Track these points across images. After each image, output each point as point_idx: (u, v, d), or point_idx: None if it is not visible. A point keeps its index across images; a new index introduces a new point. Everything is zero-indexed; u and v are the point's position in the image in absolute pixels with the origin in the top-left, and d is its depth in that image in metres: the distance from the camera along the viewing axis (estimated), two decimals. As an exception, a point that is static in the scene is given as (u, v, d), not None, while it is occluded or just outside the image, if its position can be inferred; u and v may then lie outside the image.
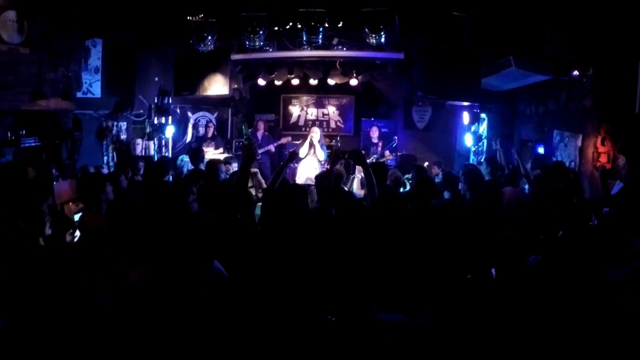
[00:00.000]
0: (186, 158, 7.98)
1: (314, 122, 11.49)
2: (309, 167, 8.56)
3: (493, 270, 3.66)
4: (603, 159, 5.77)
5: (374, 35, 6.75)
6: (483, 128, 8.85)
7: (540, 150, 7.09)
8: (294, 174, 9.26)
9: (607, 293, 2.85)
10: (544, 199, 5.39)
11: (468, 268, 3.46)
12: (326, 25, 6.89)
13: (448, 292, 2.91)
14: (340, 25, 7.27)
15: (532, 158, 7.27)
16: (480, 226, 4.02)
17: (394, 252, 3.24)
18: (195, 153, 7.20)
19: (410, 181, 6.22)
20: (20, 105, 5.19)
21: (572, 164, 6.32)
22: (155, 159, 7.74)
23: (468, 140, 8.82)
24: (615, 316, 2.66)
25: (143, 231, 3.06)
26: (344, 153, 4.87)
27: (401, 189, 5.74)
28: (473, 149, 8.94)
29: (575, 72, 5.99)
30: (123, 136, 7.66)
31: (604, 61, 5.54)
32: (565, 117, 6.66)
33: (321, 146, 8.72)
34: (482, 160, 8.21)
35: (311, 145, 8.52)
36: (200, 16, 6.86)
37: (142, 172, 6.50)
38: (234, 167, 6.89)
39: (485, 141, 8.67)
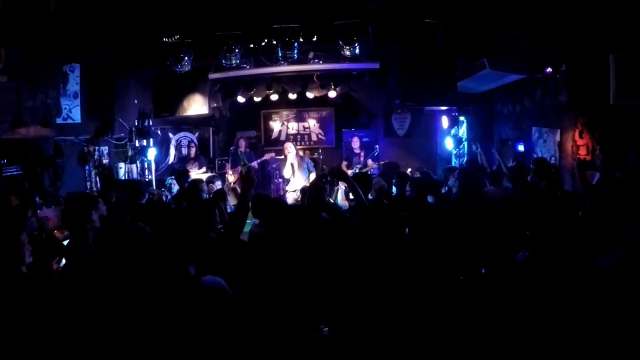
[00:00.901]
0: (171, 180, 7.96)
1: (295, 137, 11.57)
2: (298, 184, 8.61)
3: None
4: (582, 151, 5.94)
5: (348, 47, 6.86)
6: (462, 131, 9.02)
7: (521, 148, 7.26)
8: (279, 190, 9.28)
9: (597, 283, 2.91)
10: (526, 195, 5.54)
11: (460, 268, 3.49)
12: (301, 40, 6.98)
13: (446, 294, 2.96)
14: (315, 39, 7.36)
15: (513, 156, 7.43)
16: (467, 222, 4.06)
17: (389, 260, 3.26)
18: (181, 174, 7.20)
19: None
20: (0, 134, 5.10)
21: (553, 158, 6.49)
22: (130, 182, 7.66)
23: (449, 143, 8.98)
24: (605, 305, 2.71)
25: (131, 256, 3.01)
26: (324, 176, 5.10)
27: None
28: (454, 152, 9.10)
29: (549, 69, 6.19)
30: (105, 160, 7.55)
31: (576, 56, 5.73)
32: (542, 114, 6.85)
33: (301, 159, 8.80)
34: (463, 162, 8.37)
35: (291, 165, 8.62)
36: (175, 37, 6.87)
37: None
38: (217, 185, 6.88)
39: (465, 143, 8.83)
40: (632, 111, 4.99)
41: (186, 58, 6.95)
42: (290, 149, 8.77)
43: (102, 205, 5.25)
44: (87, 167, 7.14)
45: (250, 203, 4.16)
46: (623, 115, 5.17)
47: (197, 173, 8.73)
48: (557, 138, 6.38)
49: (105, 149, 7.59)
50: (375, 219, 3.67)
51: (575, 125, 5.99)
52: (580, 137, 5.95)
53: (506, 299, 2.96)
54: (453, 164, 8.94)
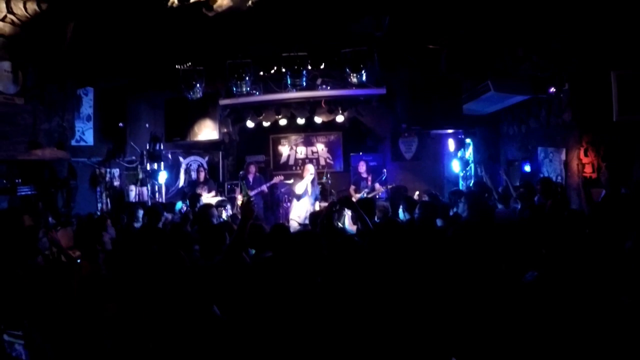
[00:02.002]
0: (180, 204, 8.07)
1: (303, 161, 11.67)
2: (302, 205, 8.63)
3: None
4: (588, 169, 5.95)
5: (355, 75, 7.03)
6: (469, 153, 9.07)
7: (527, 168, 7.28)
8: (287, 214, 9.31)
9: (606, 299, 2.89)
10: (533, 215, 5.54)
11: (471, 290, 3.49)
12: (309, 67, 7.19)
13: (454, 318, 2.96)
14: (322, 66, 7.56)
15: (520, 177, 7.45)
16: (476, 245, 4.08)
17: (397, 282, 3.28)
18: (193, 198, 7.31)
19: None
20: (16, 155, 5.27)
21: (559, 178, 6.49)
22: (149, 204, 7.78)
23: (455, 166, 9.02)
24: (612, 321, 2.69)
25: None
26: (335, 204, 5.25)
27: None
28: (461, 174, 9.13)
29: (552, 89, 6.27)
30: (116, 183, 7.70)
31: (578, 75, 5.82)
32: (547, 134, 6.89)
33: (315, 184, 8.86)
34: (470, 184, 8.40)
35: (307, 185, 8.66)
36: (188, 64, 7.10)
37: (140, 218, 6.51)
38: (227, 209, 6.97)
39: (472, 165, 8.87)
40: (636, 126, 5.01)
41: (198, 85, 7.17)
42: (311, 170, 8.83)
43: (111, 228, 5.39)
44: (98, 189, 7.29)
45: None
46: (627, 131, 5.20)
47: (207, 197, 8.83)
48: (563, 157, 6.41)
49: (116, 172, 7.76)
50: (386, 240, 3.74)
51: (580, 143, 6.02)
52: (586, 155, 5.97)
53: (514, 319, 2.96)
54: (460, 186, 8.96)
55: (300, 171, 9.30)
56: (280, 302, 2.88)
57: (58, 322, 2.85)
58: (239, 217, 7.74)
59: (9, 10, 4.46)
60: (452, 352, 2.81)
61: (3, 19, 4.52)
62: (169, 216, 6.39)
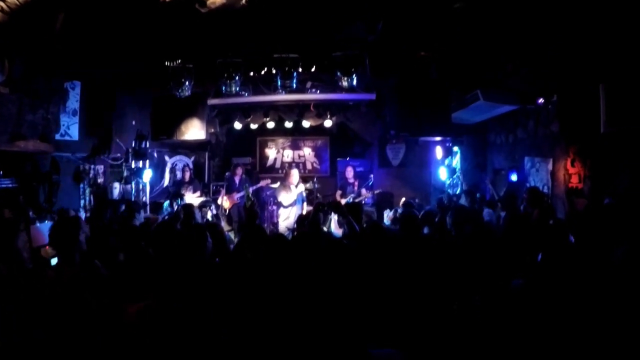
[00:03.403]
0: (167, 204, 7.96)
1: (290, 164, 11.64)
2: (290, 213, 8.61)
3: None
4: (574, 179, 6.04)
5: (346, 78, 7.02)
6: (456, 161, 9.14)
7: (513, 177, 7.36)
8: (273, 217, 9.26)
9: (594, 307, 2.91)
10: (517, 224, 5.58)
11: (453, 297, 3.50)
12: (300, 69, 7.16)
13: (437, 322, 2.95)
14: (313, 69, 7.55)
15: (507, 186, 7.52)
16: (465, 256, 4.10)
17: (381, 284, 3.28)
18: (174, 196, 7.22)
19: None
20: (-2, 145, 5.12)
21: (545, 187, 6.58)
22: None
23: (442, 174, 9.08)
24: (600, 331, 2.71)
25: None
26: (323, 206, 5.27)
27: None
28: (448, 182, 9.19)
29: (541, 100, 6.37)
30: (100, 180, 7.54)
31: (567, 87, 5.91)
32: (534, 144, 6.99)
33: (299, 188, 8.87)
34: (457, 192, 8.46)
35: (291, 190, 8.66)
36: (177, 62, 6.99)
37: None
38: (212, 209, 6.89)
39: (459, 174, 8.94)
40: (622, 138, 5.10)
41: (187, 83, 7.06)
42: (295, 175, 8.82)
43: (85, 226, 5.27)
44: (81, 185, 7.12)
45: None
46: (614, 142, 5.29)
47: (191, 197, 8.72)
48: (550, 167, 6.50)
49: (100, 168, 7.60)
50: (371, 242, 3.75)
51: (567, 154, 6.12)
52: (572, 165, 6.07)
53: (499, 325, 2.96)
54: (445, 194, 9.04)
55: (284, 175, 9.30)
56: (270, 302, 2.86)
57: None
58: (222, 218, 7.67)
59: (-2, -4, 4.34)
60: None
61: (-9, 6, 4.39)
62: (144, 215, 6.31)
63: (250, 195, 8.97)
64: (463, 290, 3.60)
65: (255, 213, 3.74)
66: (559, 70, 5.87)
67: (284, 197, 8.73)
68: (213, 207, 8.55)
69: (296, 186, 8.86)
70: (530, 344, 2.71)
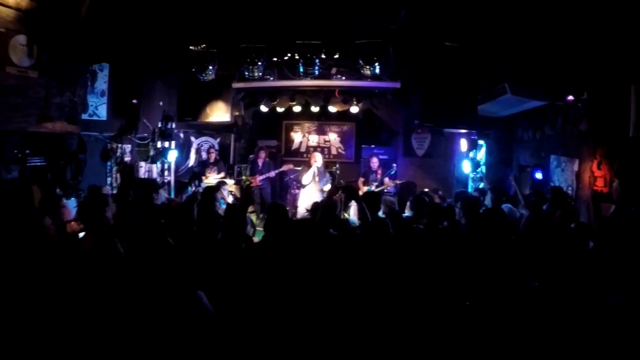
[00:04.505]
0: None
1: (315, 149, 11.65)
2: (310, 194, 8.62)
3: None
4: (599, 183, 5.81)
5: (368, 67, 6.94)
6: (481, 155, 8.94)
7: (538, 175, 7.14)
8: (295, 200, 9.33)
9: (608, 318, 2.84)
10: (540, 225, 5.45)
11: (467, 294, 3.46)
12: (322, 56, 7.11)
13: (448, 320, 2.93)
14: (336, 56, 7.47)
15: (531, 184, 7.32)
16: (478, 251, 4.03)
17: (390, 278, 3.25)
18: (193, 177, 7.38)
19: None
20: (27, 127, 5.34)
21: (569, 188, 6.36)
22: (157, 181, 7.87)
23: (466, 167, 8.90)
24: (615, 341, 2.65)
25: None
26: (337, 189, 5.19)
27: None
28: (471, 175, 9.01)
29: (570, 97, 6.10)
30: (127, 158, 7.79)
31: (597, 85, 5.65)
32: (561, 142, 6.74)
33: (322, 172, 8.81)
34: (479, 187, 8.29)
35: (314, 173, 8.61)
36: (201, 46, 7.07)
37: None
38: (224, 189, 6.99)
39: (483, 167, 8.74)
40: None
41: (210, 67, 7.17)
42: (317, 158, 8.82)
43: (111, 202, 5.47)
44: (109, 163, 7.38)
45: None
46: (642, 148, 5.06)
47: (216, 178, 8.88)
48: (575, 168, 6.27)
49: (128, 147, 7.84)
50: (378, 236, 3.71)
51: (594, 155, 5.88)
52: (599, 168, 5.83)
53: (512, 327, 2.94)
54: (469, 187, 8.87)
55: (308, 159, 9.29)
56: (270, 287, 2.89)
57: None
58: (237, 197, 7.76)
59: (26, -17, 4.49)
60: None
61: (19, -8, 4.55)
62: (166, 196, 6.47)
63: (247, 178, 9.03)
64: (475, 288, 3.58)
65: (250, 197, 3.77)
66: (590, 67, 5.61)
67: (304, 177, 8.75)
68: (226, 187, 8.65)
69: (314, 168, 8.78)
70: (540, 346, 2.68)
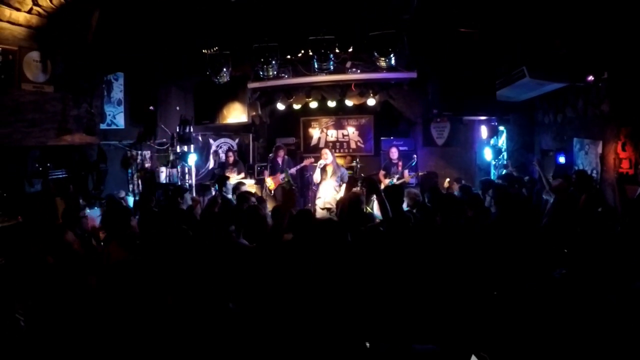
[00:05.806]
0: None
1: (334, 144, 11.62)
2: (327, 190, 8.57)
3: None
4: (625, 164, 5.60)
5: (383, 59, 6.84)
6: (502, 141, 8.73)
7: (562, 159, 6.93)
8: (314, 196, 9.31)
9: (633, 304, 2.75)
10: (566, 209, 5.30)
11: (494, 285, 3.40)
12: (336, 51, 7.04)
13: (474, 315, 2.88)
14: (350, 50, 7.40)
15: (554, 168, 7.11)
16: (508, 240, 3.95)
17: (415, 275, 3.21)
18: (221, 180, 7.40)
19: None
20: (46, 141, 5.50)
21: (594, 172, 6.15)
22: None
23: (487, 154, 8.72)
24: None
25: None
26: (356, 180, 5.06)
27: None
28: (493, 162, 8.82)
29: (591, 77, 5.88)
30: (147, 164, 7.93)
31: (618, 64, 5.42)
32: (584, 124, 6.52)
33: (337, 168, 8.74)
34: (502, 173, 8.10)
35: (323, 170, 8.53)
36: (214, 49, 7.11)
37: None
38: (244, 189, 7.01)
39: (505, 154, 8.54)
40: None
41: (224, 69, 7.20)
42: (327, 155, 8.76)
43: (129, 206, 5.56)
44: (129, 171, 7.53)
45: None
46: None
47: (236, 179, 8.95)
48: (599, 150, 6.05)
49: (147, 154, 7.98)
50: (399, 232, 3.66)
51: (618, 137, 5.65)
52: (623, 149, 5.61)
53: (540, 314, 2.87)
54: (492, 175, 8.68)
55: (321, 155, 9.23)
56: (293, 287, 2.89)
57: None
58: (267, 199, 7.75)
59: (35, 2, 4.59)
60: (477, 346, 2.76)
61: (29, 11, 4.67)
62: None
63: (290, 179, 9.02)
64: (503, 278, 3.51)
65: (293, 198, 3.71)
66: (610, 45, 5.38)
67: (314, 175, 8.70)
68: (245, 187, 8.66)
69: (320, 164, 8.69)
70: (568, 333, 2.62)
